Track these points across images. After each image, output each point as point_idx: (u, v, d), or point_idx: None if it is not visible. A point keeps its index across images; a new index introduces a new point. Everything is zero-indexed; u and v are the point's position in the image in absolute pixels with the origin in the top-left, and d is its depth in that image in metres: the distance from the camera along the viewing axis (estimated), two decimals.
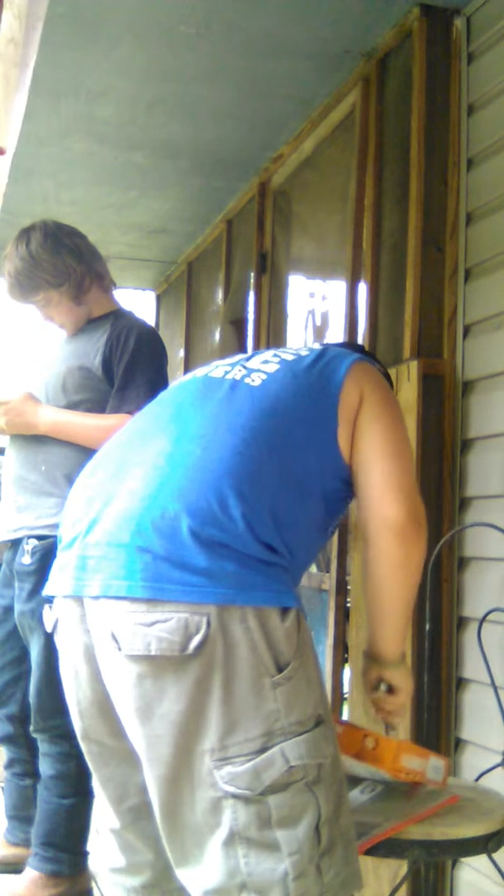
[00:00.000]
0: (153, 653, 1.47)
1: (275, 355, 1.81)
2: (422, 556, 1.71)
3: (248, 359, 1.82)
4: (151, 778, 1.53)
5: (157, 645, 1.47)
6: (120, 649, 1.51)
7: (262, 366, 1.77)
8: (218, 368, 1.81)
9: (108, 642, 1.53)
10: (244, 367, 1.77)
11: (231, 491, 1.53)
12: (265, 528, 1.54)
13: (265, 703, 1.48)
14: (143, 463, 1.62)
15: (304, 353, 1.83)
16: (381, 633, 1.79)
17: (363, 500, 1.71)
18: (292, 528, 1.58)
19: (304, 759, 1.49)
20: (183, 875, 1.55)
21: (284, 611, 1.51)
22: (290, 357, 1.80)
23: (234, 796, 1.48)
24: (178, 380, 1.91)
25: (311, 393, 1.72)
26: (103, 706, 1.59)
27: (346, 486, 1.72)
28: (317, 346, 1.90)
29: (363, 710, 2.86)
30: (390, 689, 1.84)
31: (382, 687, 1.84)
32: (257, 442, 1.61)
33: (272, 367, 1.76)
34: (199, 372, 1.85)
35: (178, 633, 1.46)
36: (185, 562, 1.49)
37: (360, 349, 2.05)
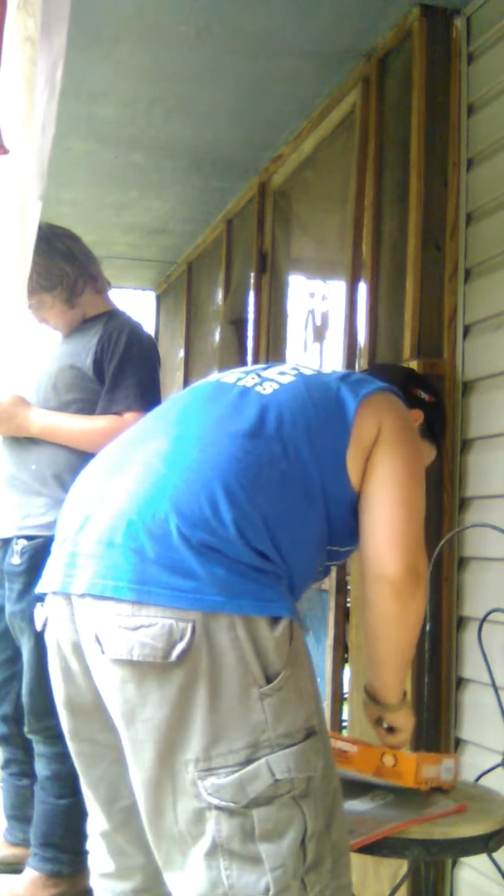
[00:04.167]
0: (136, 658, 1.45)
1: (293, 368, 1.77)
2: (420, 608, 1.65)
3: (264, 368, 1.79)
4: (136, 781, 1.51)
5: (140, 650, 1.44)
6: (103, 652, 1.49)
7: (277, 376, 1.73)
8: (231, 375, 1.78)
9: (93, 644, 1.51)
10: (258, 376, 1.73)
11: (223, 495, 1.51)
12: (257, 535, 1.51)
13: (251, 713, 1.45)
14: (139, 462, 1.60)
15: (327, 371, 1.78)
16: (379, 680, 1.77)
17: (362, 547, 1.66)
18: (288, 539, 1.55)
19: (292, 773, 1.46)
20: (169, 880, 1.53)
21: (275, 620, 1.48)
22: (309, 372, 1.75)
23: (218, 808, 1.45)
24: (193, 384, 1.90)
25: (324, 408, 1.66)
26: (95, 702, 1.58)
27: (352, 514, 1.67)
28: (345, 370, 1.87)
29: (363, 710, 2.86)
30: (390, 729, 1.82)
31: (384, 724, 1.82)
32: (258, 449, 1.58)
33: (287, 379, 1.72)
34: (213, 377, 1.82)
35: (162, 640, 1.44)
36: (174, 565, 1.46)
37: (405, 375, 2.01)
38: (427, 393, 1.99)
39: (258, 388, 1.69)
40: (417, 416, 1.93)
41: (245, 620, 1.46)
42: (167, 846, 1.51)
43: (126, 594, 1.47)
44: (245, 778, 1.44)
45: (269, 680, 1.46)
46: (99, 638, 1.50)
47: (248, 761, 1.44)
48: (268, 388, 1.69)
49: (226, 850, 1.45)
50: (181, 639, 1.43)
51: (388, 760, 1.80)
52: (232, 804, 1.44)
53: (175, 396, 1.85)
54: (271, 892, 1.45)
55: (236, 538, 1.49)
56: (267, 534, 1.52)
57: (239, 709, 1.45)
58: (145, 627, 1.44)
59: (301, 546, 1.59)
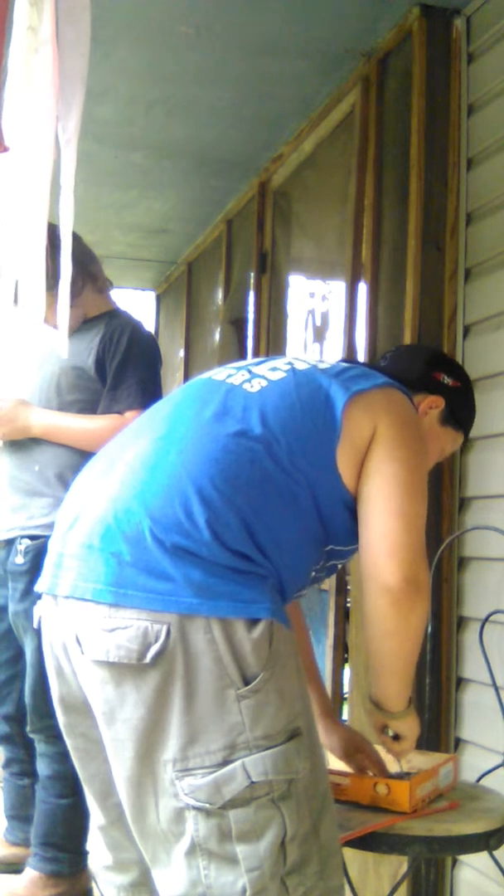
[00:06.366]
0: (112, 660, 1.46)
1: (287, 363, 1.70)
2: (420, 619, 1.59)
3: (257, 364, 1.74)
4: (119, 780, 1.52)
5: (116, 652, 1.45)
6: (83, 653, 1.50)
7: (268, 372, 1.68)
8: (222, 371, 1.74)
9: (75, 644, 1.52)
10: (249, 372, 1.69)
11: (197, 497, 1.50)
12: (234, 535, 1.49)
13: (228, 715, 1.44)
14: (123, 463, 1.60)
15: (323, 365, 1.70)
16: (383, 690, 1.73)
17: (361, 558, 1.61)
18: (272, 538, 1.53)
19: (269, 776, 1.45)
20: (155, 876, 1.54)
21: (254, 622, 1.47)
22: (303, 367, 1.69)
23: (195, 808, 1.45)
24: (189, 381, 1.88)
25: (311, 406, 1.61)
26: (86, 700, 1.58)
27: (350, 514, 1.63)
28: (348, 363, 1.76)
29: (364, 709, 2.86)
30: (396, 737, 1.78)
31: (389, 732, 1.78)
32: (239, 449, 1.56)
33: (277, 375, 1.67)
34: (206, 374, 1.78)
35: (137, 642, 1.44)
36: (150, 568, 1.46)
37: (429, 357, 1.92)
38: (452, 377, 1.89)
39: (245, 386, 1.66)
40: (438, 402, 1.86)
41: (221, 622, 1.45)
42: (152, 844, 1.52)
43: (104, 597, 1.47)
44: (220, 779, 1.44)
45: (246, 682, 1.45)
46: (79, 639, 1.51)
47: (225, 763, 1.44)
48: (255, 386, 1.65)
49: (204, 850, 1.46)
50: (156, 640, 1.43)
51: (382, 790, 1.79)
52: (207, 805, 1.44)
53: (168, 395, 1.82)
54: (248, 893, 1.44)
55: (211, 540, 1.47)
56: (246, 534, 1.50)
57: (215, 710, 1.44)
58: (121, 629, 1.45)
59: (288, 545, 1.56)
